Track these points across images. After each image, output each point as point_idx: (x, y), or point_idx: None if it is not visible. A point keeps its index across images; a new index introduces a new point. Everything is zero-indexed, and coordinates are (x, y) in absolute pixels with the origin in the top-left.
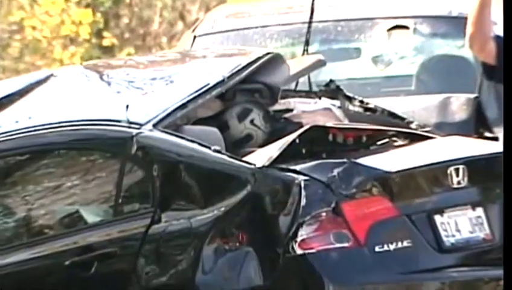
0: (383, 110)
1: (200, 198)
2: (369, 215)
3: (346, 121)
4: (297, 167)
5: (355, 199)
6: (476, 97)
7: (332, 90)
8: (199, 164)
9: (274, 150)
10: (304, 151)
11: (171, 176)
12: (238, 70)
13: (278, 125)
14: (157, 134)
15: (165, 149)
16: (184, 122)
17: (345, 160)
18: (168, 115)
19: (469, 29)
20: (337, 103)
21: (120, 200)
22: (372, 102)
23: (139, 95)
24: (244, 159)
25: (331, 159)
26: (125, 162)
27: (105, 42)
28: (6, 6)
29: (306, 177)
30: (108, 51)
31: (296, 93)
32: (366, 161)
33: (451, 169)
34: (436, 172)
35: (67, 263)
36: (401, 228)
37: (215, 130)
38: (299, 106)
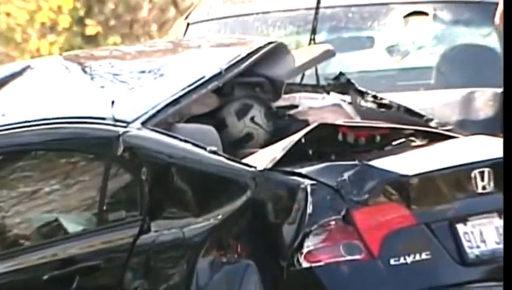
0: (399, 106)
1: (194, 205)
2: (384, 224)
3: (357, 119)
4: (303, 170)
5: (368, 206)
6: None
7: (342, 84)
8: (193, 166)
9: (277, 151)
10: (310, 152)
11: (162, 180)
12: (237, 62)
13: (282, 123)
14: (146, 133)
15: (155, 150)
16: (176, 120)
17: (356, 162)
18: (158, 111)
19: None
20: (348, 98)
21: (104, 208)
22: (387, 97)
23: (125, 89)
24: (243, 161)
25: (341, 161)
26: (110, 165)
27: (88, 30)
28: None
29: (313, 182)
30: (92, 40)
31: (302, 87)
32: (380, 163)
33: (476, 172)
34: (459, 176)
35: (45, 277)
36: (419, 238)
37: (211, 128)
38: (305, 102)
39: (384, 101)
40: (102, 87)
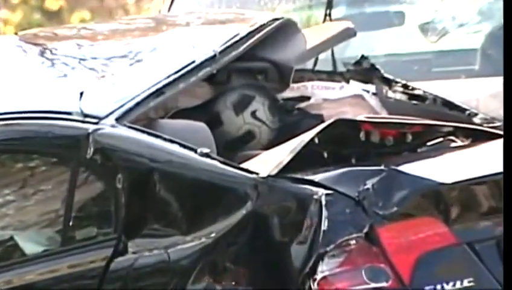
0: (436, 97)
1: (182, 220)
2: (416, 244)
3: (383, 113)
4: (317, 177)
5: (397, 222)
6: None
7: (364, 70)
8: (180, 172)
9: (284, 153)
10: (325, 155)
11: (142, 190)
12: (235, 43)
13: (290, 119)
14: (122, 131)
15: (133, 152)
16: (159, 114)
17: (382, 167)
18: (137, 104)
19: None
20: (372, 88)
21: (70, 223)
22: (421, 87)
23: (96, 77)
24: (242, 165)
25: (363, 166)
26: (78, 170)
27: (50, 4)
28: None
29: (328, 191)
30: (54, 16)
31: (315, 74)
32: (412, 168)
33: None
34: None
35: None
36: (460, 261)
37: (202, 125)
38: (319, 93)
39: (416, 92)
40: (67, 74)
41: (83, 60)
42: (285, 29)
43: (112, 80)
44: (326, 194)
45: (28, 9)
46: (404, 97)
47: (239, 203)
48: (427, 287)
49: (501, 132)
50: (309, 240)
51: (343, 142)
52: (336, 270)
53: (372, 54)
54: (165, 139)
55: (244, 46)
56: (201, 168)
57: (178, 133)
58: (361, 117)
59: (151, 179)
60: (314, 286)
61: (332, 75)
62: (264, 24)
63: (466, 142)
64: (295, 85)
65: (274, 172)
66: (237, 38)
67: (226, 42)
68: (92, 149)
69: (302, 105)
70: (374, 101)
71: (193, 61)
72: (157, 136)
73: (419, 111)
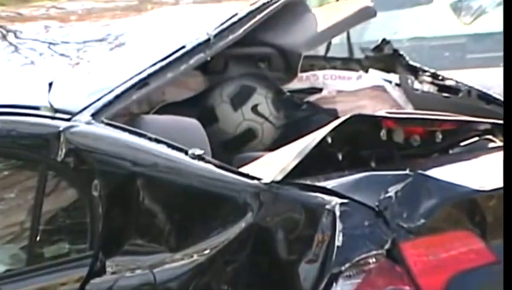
0: (470, 89)
1: (170, 235)
2: (448, 263)
3: (409, 108)
4: (330, 184)
5: (425, 236)
6: None
7: (386, 56)
8: (168, 178)
9: (291, 155)
10: (340, 157)
11: (122, 198)
12: (233, 25)
13: (298, 114)
14: (99, 129)
15: (112, 154)
16: (144, 109)
17: (407, 172)
18: (117, 97)
19: None
20: (395, 77)
21: (38, 238)
22: (453, 76)
23: (69, 65)
24: (242, 170)
25: (385, 170)
26: (47, 175)
27: None
28: None
29: (344, 200)
30: None
31: (328, 62)
32: (442, 173)
33: None
34: None
35: None
36: (499, 283)
37: (194, 122)
38: (333, 83)
39: (448, 82)
40: (33, 62)
41: (53, 44)
42: (292, 9)
43: (87, 68)
44: (341, 204)
45: None
46: (433, 89)
47: (237, 215)
48: None
49: None
50: (320, 258)
51: (360, 142)
52: None
53: (396, 38)
54: (150, 139)
55: (244, 28)
56: (193, 172)
57: (165, 131)
58: (382, 112)
59: (133, 186)
60: None
61: (348, 63)
62: (267, 2)
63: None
64: (304, 74)
65: (279, 177)
66: (235, 19)
67: (222, 24)
68: (63, 150)
69: (313, 98)
70: (397, 94)
71: (183, 47)
72: (140, 135)
73: (451, 105)
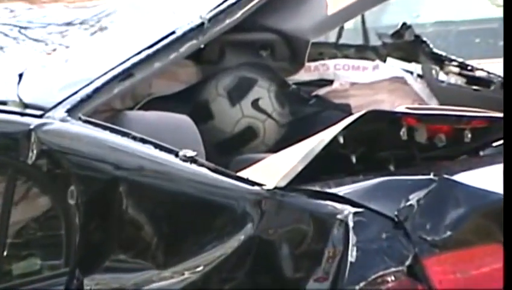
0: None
1: (158, 249)
2: (478, 281)
3: (433, 103)
4: (342, 190)
5: (451, 251)
6: None
7: (407, 43)
8: (156, 183)
9: (297, 157)
10: (353, 159)
11: (103, 207)
12: (229, 7)
13: (305, 110)
14: (76, 127)
15: (92, 155)
16: (127, 104)
17: (431, 176)
18: (97, 91)
19: None
20: (417, 67)
21: (5, 253)
22: (484, 66)
23: (41, 53)
24: (240, 174)
25: (405, 175)
26: (16, 180)
27: None
28: None
29: (358, 209)
30: None
31: (340, 50)
32: (471, 177)
33: None
34: None
35: None
36: None
37: (186, 119)
38: (345, 75)
39: (478, 73)
40: (1, 48)
41: (24, 28)
42: None
43: (64, 56)
44: (355, 213)
45: None
46: (460, 81)
47: (235, 226)
48: None
49: None
50: (331, 275)
51: (377, 142)
52: None
53: (418, 22)
54: (134, 138)
55: (243, 11)
56: (184, 177)
57: (153, 129)
58: (402, 108)
59: (115, 193)
60: None
61: (363, 51)
62: None
63: None
64: (312, 64)
65: (283, 183)
66: (233, 0)
67: (217, 6)
68: (34, 152)
69: (322, 91)
70: (419, 86)
71: (173, 32)
72: (124, 134)
73: (481, 99)
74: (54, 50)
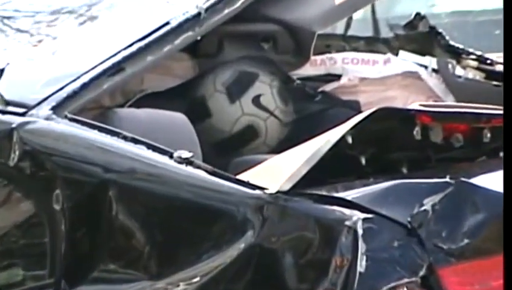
0: None
1: (151, 258)
2: None
3: (449, 99)
4: (350, 194)
5: (470, 260)
6: None
7: (421, 35)
8: (148, 187)
9: (302, 158)
10: (363, 160)
11: (91, 213)
12: None
13: (311, 107)
14: (62, 126)
15: (79, 157)
16: (118, 101)
17: (447, 179)
18: (84, 87)
19: None
20: (432, 61)
21: None
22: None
23: (26, 46)
24: (240, 177)
25: (419, 178)
26: None
27: None
28: None
29: (368, 215)
30: None
31: (348, 42)
32: (491, 181)
33: None
34: None
35: None
36: None
37: (181, 117)
38: (354, 69)
39: (498, 68)
40: None
41: (8, 18)
42: None
43: (50, 48)
44: (364, 220)
45: None
46: (479, 75)
47: (235, 234)
48: None
49: None
50: (339, 287)
51: (389, 142)
52: None
53: (433, 12)
54: (125, 138)
55: (242, 0)
56: (180, 180)
57: (145, 128)
58: (415, 105)
59: (105, 197)
60: None
61: (374, 43)
62: None
63: None
64: (318, 58)
65: (287, 187)
66: None
67: None
68: (17, 153)
69: (329, 87)
70: (434, 82)
71: (167, 23)
72: (114, 134)
73: (501, 96)
74: (40, 42)
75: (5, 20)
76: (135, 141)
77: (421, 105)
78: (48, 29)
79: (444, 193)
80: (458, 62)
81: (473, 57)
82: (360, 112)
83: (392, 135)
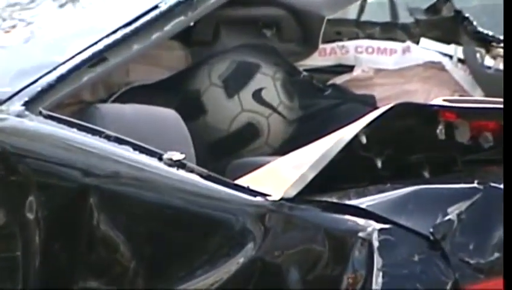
0: None
1: (137, 274)
2: None
3: (477, 94)
4: (364, 202)
5: (500, 276)
6: None
7: (445, 20)
8: (134, 193)
9: (309, 161)
10: (379, 163)
11: (69, 222)
12: None
13: (319, 103)
14: (36, 124)
15: (55, 159)
16: (100, 96)
17: (475, 184)
18: (61, 79)
19: None
20: (457, 50)
21: None
22: None
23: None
24: (239, 182)
25: (443, 183)
26: None
27: None
28: None
29: (384, 226)
30: None
31: (361, 28)
32: None
33: None
34: None
35: None
36: None
37: (172, 114)
38: (369, 59)
39: None
40: None
41: None
42: None
43: (24, 35)
44: (380, 230)
45: None
46: None
47: (233, 246)
48: None
49: None
50: None
51: (408, 142)
52: None
53: None
54: (108, 138)
55: None
56: (170, 186)
57: (131, 126)
58: (439, 100)
59: (85, 205)
60: None
61: (391, 30)
62: None
63: None
64: (327, 46)
65: (292, 193)
66: None
67: None
68: None
69: (340, 80)
70: (460, 73)
71: (156, 6)
72: (95, 133)
73: None
74: (13, 27)
75: None
76: (119, 141)
77: (444, 100)
78: (22, 13)
79: (472, 200)
80: (487, 51)
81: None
82: (376, 108)
83: (412, 135)
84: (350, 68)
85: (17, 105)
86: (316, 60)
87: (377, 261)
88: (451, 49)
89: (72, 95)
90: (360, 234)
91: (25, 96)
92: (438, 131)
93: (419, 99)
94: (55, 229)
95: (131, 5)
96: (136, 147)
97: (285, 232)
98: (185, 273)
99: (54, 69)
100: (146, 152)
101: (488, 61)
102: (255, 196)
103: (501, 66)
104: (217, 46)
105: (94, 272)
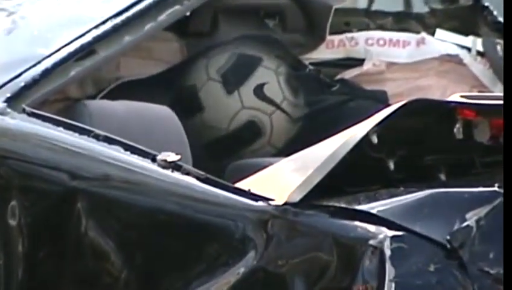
0: None
1: (128, 285)
2: None
3: (497, 90)
4: (375, 207)
5: None
6: None
7: (463, 10)
8: (126, 197)
9: (315, 162)
10: (391, 165)
11: (55, 229)
12: None
13: (326, 99)
14: (19, 122)
15: (40, 160)
16: (88, 92)
17: (495, 188)
18: (46, 74)
19: None
20: (476, 42)
21: None
22: None
23: None
24: (239, 185)
25: (461, 187)
26: None
27: None
28: None
29: (397, 233)
30: None
31: (372, 19)
32: None
33: None
34: None
35: None
36: None
37: (166, 111)
38: (380, 52)
39: None
40: None
41: None
42: None
43: (5, 26)
44: (393, 238)
45: None
46: None
47: (233, 255)
48: None
49: None
50: None
51: (423, 142)
52: None
53: None
54: (97, 137)
55: None
56: (164, 189)
57: (122, 125)
58: (456, 96)
59: (72, 211)
60: None
61: (404, 20)
62: None
63: None
64: (335, 38)
65: (297, 197)
66: None
67: None
68: None
69: (349, 74)
70: (479, 67)
71: None
72: (83, 132)
73: None
74: None
75: None
76: (109, 141)
77: (462, 96)
78: (4, 2)
79: (492, 205)
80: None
81: None
82: (388, 105)
83: (427, 134)
84: (360, 62)
85: None
86: (322, 53)
87: (389, 271)
88: (469, 41)
89: (58, 91)
90: (371, 242)
91: (6, 92)
92: (455, 130)
93: (434, 95)
94: (40, 237)
95: None
96: (127, 148)
97: (289, 240)
98: (180, 284)
99: (39, 62)
100: (138, 153)
101: None
102: (256, 200)
103: None
104: (215, 37)
105: (82, 283)
